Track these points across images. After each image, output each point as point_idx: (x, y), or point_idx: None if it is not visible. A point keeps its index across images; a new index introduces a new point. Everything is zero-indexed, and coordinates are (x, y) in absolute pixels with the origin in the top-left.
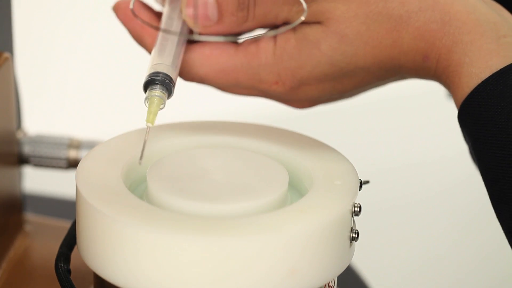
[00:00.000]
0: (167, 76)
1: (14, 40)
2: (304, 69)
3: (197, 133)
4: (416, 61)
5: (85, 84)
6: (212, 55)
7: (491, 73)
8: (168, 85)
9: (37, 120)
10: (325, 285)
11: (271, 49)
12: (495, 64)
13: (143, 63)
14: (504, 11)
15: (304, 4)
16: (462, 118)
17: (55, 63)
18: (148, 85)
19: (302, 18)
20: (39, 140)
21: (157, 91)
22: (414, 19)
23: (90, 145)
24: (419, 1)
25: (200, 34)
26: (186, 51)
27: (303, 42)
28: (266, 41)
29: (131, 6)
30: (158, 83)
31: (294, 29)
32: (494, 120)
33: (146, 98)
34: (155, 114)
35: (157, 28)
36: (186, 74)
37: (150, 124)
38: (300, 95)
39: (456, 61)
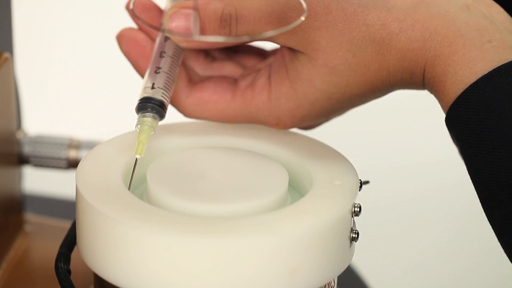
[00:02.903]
0: (158, 101)
1: (14, 40)
2: (302, 107)
3: (197, 133)
4: (405, 78)
5: (85, 84)
6: (210, 102)
7: (477, 78)
8: (159, 111)
9: (37, 120)
10: (325, 285)
11: (266, 94)
12: (481, 69)
13: None
14: (494, 9)
15: (304, 4)
16: (451, 122)
17: (55, 63)
18: (139, 110)
19: (302, 18)
20: (39, 140)
21: (148, 119)
22: (395, 40)
23: (90, 145)
24: (398, 22)
25: (200, 35)
26: (184, 95)
27: (297, 81)
28: (262, 86)
29: (131, 6)
30: (149, 109)
31: (286, 69)
32: (483, 124)
33: (137, 126)
34: (144, 145)
35: (157, 28)
36: (187, 115)
37: (138, 156)
38: (302, 126)
39: (440, 72)
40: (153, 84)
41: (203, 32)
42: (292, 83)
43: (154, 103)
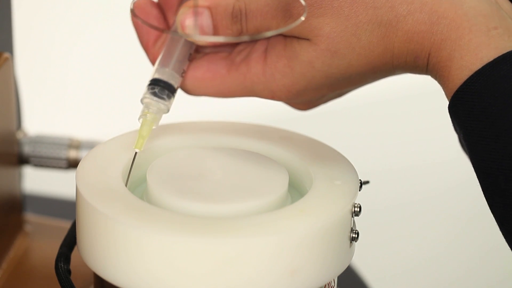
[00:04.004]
0: (166, 84)
1: (14, 40)
2: (299, 84)
3: (197, 133)
4: (408, 61)
5: (85, 84)
6: (204, 79)
7: (482, 65)
8: (168, 95)
9: (37, 120)
10: (325, 285)
11: (261, 68)
12: (486, 56)
13: (143, 63)
14: None
15: (303, 3)
16: (454, 109)
17: (55, 63)
18: (147, 97)
19: (302, 18)
20: (39, 140)
21: (153, 111)
22: (403, 23)
23: (90, 145)
24: (407, 4)
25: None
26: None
27: (295, 61)
28: (256, 60)
29: (131, 6)
30: (156, 97)
31: (284, 47)
32: (487, 111)
33: (139, 119)
34: (144, 139)
35: (158, 28)
36: (188, 93)
37: (137, 150)
38: (299, 101)
39: (446, 57)
40: (164, 68)
41: (215, 29)
42: (289, 62)
43: (163, 87)
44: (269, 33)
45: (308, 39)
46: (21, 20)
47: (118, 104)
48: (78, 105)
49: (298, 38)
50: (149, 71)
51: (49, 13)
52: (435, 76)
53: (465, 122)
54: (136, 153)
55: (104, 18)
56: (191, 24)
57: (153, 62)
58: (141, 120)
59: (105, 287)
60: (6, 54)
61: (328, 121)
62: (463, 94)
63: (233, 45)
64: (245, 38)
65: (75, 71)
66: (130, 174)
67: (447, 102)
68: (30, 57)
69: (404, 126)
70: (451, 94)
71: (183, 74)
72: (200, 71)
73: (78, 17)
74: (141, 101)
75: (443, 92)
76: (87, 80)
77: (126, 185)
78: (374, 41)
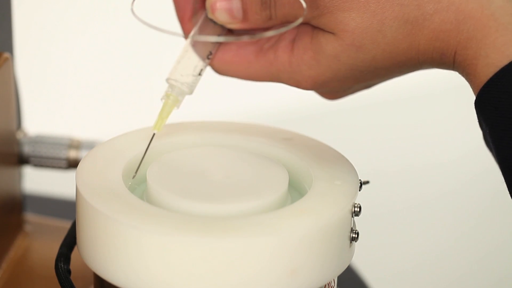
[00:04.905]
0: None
1: (14, 40)
2: (324, 75)
3: (198, 133)
4: (434, 58)
5: (85, 84)
6: (233, 62)
7: (509, 61)
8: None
9: (37, 120)
10: (325, 285)
11: (287, 58)
12: None
13: (143, 63)
14: None
15: (304, 4)
16: (480, 105)
17: (55, 63)
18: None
19: (301, 20)
20: (39, 140)
21: (175, 93)
22: (429, 21)
23: (90, 145)
24: (434, 3)
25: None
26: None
27: (321, 55)
28: (283, 49)
29: (131, 7)
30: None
31: (310, 39)
32: None
33: (162, 99)
34: (164, 120)
35: (158, 29)
36: (216, 72)
37: (156, 131)
38: (324, 90)
39: (472, 55)
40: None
41: (245, 13)
42: (315, 55)
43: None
44: (269, 33)
45: (333, 33)
46: (21, 20)
47: (118, 104)
48: (78, 105)
49: (324, 31)
50: (149, 72)
51: (49, 13)
52: (461, 73)
53: (491, 117)
54: (154, 134)
55: (104, 18)
56: (222, 8)
57: (185, 37)
58: (163, 101)
59: (105, 287)
60: (6, 54)
61: (328, 121)
62: (489, 90)
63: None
64: (245, 38)
65: (75, 71)
66: (143, 159)
67: (448, 103)
68: (30, 57)
69: (404, 126)
70: (478, 91)
71: (210, 56)
72: (229, 54)
73: (78, 17)
74: (166, 80)
75: (444, 93)
76: (87, 80)
77: (136, 172)
78: (399, 37)
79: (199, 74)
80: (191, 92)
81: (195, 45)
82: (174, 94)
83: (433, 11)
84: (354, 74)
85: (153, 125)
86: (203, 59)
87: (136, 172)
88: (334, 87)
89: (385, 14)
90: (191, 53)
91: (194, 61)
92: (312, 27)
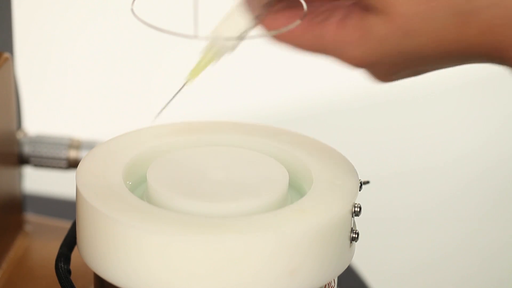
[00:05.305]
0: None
1: (14, 40)
2: (370, 57)
3: (197, 133)
4: (484, 52)
5: (85, 84)
6: (281, 35)
7: None
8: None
9: (37, 120)
10: (325, 285)
11: (333, 36)
12: None
13: (143, 63)
14: None
15: (304, 5)
16: None
17: (55, 63)
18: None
19: (299, 21)
20: (39, 140)
21: (218, 46)
22: (480, 15)
23: (90, 145)
24: None
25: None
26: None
27: (368, 36)
28: (330, 27)
29: (131, 6)
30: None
31: (361, 19)
32: None
33: (203, 50)
34: (200, 70)
35: (158, 29)
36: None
37: (188, 79)
38: (372, 71)
39: None
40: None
41: None
42: (362, 36)
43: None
44: (269, 33)
45: (383, 13)
46: (21, 20)
47: (118, 104)
48: (78, 105)
49: (376, 9)
50: (149, 72)
51: (49, 13)
52: None
53: None
54: (185, 82)
55: (104, 18)
56: None
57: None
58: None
59: (105, 287)
60: (6, 54)
61: (328, 121)
62: None
63: (317, 3)
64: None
65: (75, 71)
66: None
67: (449, 104)
68: (30, 57)
69: (404, 126)
70: None
71: (259, 17)
72: (277, 22)
73: (78, 17)
74: (211, 33)
75: (444, 93)
76: (87, 80)
77: (157, 116)
78: (448, 28)
79: (245, 34)
80: (233, 50)
81: (246, 3)
82: (217, 47)
83: (485, 5)
84: (400, 59)
85: (188, 73)
86: (250, 20)
87: (162, 109)
88: (380, 70)
89: (431, 3)
90: (240, 12)
91: (242, 20)
92: (362, 7)
